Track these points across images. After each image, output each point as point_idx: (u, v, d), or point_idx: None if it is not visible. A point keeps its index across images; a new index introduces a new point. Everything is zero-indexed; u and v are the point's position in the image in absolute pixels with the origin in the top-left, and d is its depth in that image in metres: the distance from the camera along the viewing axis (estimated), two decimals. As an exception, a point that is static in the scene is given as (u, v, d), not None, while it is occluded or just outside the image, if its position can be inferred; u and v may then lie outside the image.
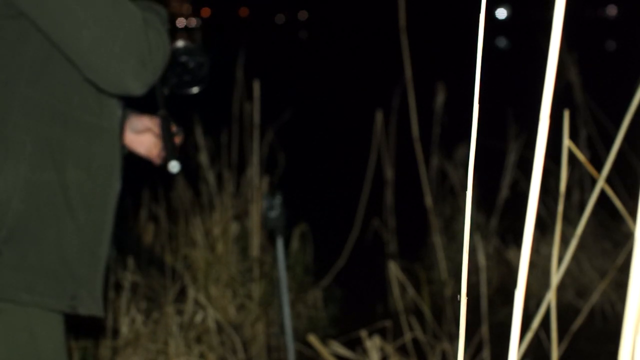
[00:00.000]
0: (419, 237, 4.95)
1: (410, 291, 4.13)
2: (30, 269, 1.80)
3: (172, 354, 3.48)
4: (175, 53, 2.11)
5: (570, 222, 4.70)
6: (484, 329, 3.33)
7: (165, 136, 2.10)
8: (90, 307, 1.87)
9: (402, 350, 3.49)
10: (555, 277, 1.54)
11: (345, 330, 4.07)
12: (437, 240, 4.37)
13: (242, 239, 4.31)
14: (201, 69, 2.14)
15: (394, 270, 4.08)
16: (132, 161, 2.11)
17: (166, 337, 3.56)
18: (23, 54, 1.80)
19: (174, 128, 2.11)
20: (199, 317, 3.69)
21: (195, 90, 2.14)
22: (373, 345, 3.12)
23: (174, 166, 2.08)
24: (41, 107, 1.80)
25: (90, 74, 1.80)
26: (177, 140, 2.12)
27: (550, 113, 0.66)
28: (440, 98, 4.77)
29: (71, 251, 1.83)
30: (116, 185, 1.90)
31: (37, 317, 1.86)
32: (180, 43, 2.14)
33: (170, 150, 2.08)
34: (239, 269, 4.18)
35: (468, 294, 0.74)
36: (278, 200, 3.27)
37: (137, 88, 1.81)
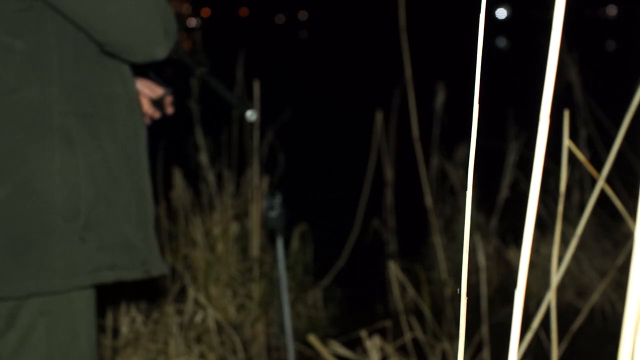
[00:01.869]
0: (419, 237, 4.95)
1: (410, 291, 4.13)
2: (109, 248, 1.86)
3: (172, 354, 3.48)
4: None
5: (570, 222, 4.70)
6: (484, 329, 3.33)
7: (223, 90, 2.11)
8: (158, 267, 1.95)
9: (402, 350, 3.49)
10: (555, 277, 1.54)
11: (345, 330, 4.07)
12: (437, 240, 4.37)
13: (242, 239, 4.31)
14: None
15: (394, 270, 4.08)
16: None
17: (166, 337, 3.56)
18: (48, 40, 1.82)
19: (165, 96, 2.11)
20: (199, 317, 3.69)
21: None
22: (373, 345, 3.12)
23: (251, 115, 2.09)
24: (71, 88, 1.84)
25: (118, 47, 1.85)
26: (168, 107, 2.13)
27: (550, 113, 0.66)
28: (440, 98, 4.77)
29: (130, 220, 1.89)
30: (144, 148, 1.95)
31: (81, 316, 1.90)
32: None
33: (238, 102, 2.09)
34: (239, 269, 4.18)
35: (468, 294, 0.74)
36: (278, 200, 3.27)
37: (161, 54, 1.90)
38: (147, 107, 2.12)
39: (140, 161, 1.94)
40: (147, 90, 2.12)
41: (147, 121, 2.13)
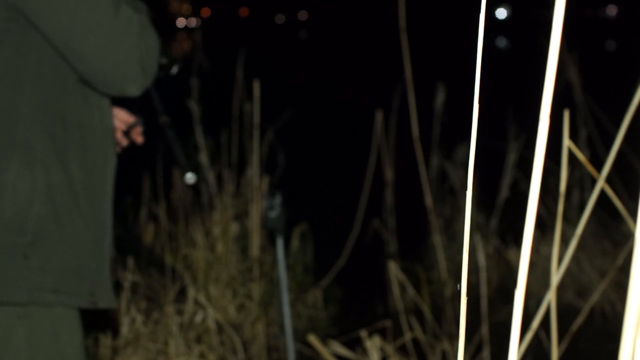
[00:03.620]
0: (419, 237, 4.95)
1: (410, 291, 4.13)
2: (54, 270, 1.83)
3: (172, 354, 3.48)
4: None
5: (570, 222, 4.70)
6: (484, 329, 3.33)
7: (175, 145, 2.10)
8: (107, 300, 1.93)
9: (402, 350, 3.48)
10: (555, 277, 1.54)
11: (345, 330, 4.06)
12: (437, 240, 4.37)
13: (242, 239, 4.31)
14: (170, 51, 2.16)
15: (394, 270, 4.08)
16: (132, 161, 2.11)
17: (166, 337, 3.56)
18: (27, 57, 1.82)
19: (136, 129, 2.10)
20: (199, 317, 3.69)
21: (174, 70, 2.15)
22: (373, 345, 3.12)
23: (189, 178, 2.08)
24: (44, 108, 1.83)
25: (93, 77, 1.84)
26: (137, 136, 2.12)
27: (550, 113, 0.66)
28: (440, 98, 4.77)
29: (84, 248, 1.87)
30: (111, 180, 1.94)
31: (61, 318, 1.89)
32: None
33: (184, 161, 2.08)
34: (239, 269, 4.18)
35: (468, 294, 0.74)
36: (278, 200, 3.26)
37: (134, 91, 1.89)
38: (119, 135, 2.12)
39: (105, 193, 1.92)
40: (118, 120, 2.11)
41: (118, 149, 2.13)
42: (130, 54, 1.83)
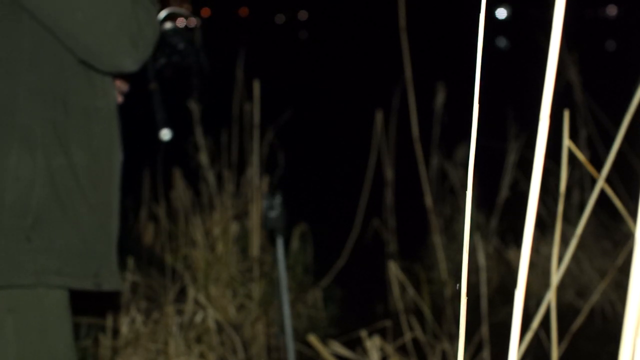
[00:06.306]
0: (419, 237, 4.95)
1: (410, 291, 4.13)
2: (57, 252, 1.84)
3: (172, 354, 3.48)
4: (164, 34, 2.13)
5: (570, 222, 4.70)
6: (484, 329, 3.33)
7: (157, 106, 2.13)
8: (112, 282, 1.93)
9: (402, 350, 3.49)
10: (555, 277, 1.54)
11: (345, 330, 4.06)
12: (437, 240, 4.37)
13: (242, 239, 4.31)
14: (189, 52, 2.16)
15: (394, 270, 4.08)
16: (132, 161, 2.11)
17: (166, 337, 3.56)
18: (21, 41, 1.83)
19: None
20: (199, 317, 3.69)
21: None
22: (373, 345, 3.12)
23: (165, 134, 2.11)
24: (43, 92, 1.84)
25: (85, 54, 1.84)
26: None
27: (550, 113, 0.66)
28: (440, 98, 4.77)
29: (88, 231, 1.88)
30: (117, 162, 1.95)
31: (51, 313, 1.89)
32: (168, 25, 2.15)
33: (162, 120, 2.12)
34: (239, 269, 4.18)
35: (468, 294, 0.74)
36: (278, 200, 3.26)
37: (130, 66, 1.88)
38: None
39: (112, 175, 1.93)
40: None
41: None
42: (118, 29, 1.82)
